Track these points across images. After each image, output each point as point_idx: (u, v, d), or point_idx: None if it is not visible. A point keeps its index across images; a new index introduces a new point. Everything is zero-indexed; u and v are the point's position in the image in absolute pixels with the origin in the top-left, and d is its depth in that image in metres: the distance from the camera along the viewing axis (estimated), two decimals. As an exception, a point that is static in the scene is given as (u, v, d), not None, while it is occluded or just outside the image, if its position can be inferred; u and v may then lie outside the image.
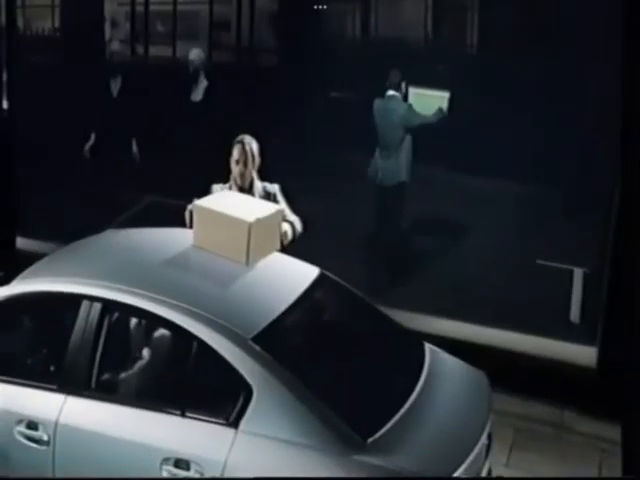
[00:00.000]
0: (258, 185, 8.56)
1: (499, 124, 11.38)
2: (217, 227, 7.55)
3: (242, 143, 8.45)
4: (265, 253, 7.58)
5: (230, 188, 8.46)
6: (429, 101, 11.20)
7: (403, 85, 11.51)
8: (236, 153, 8.44)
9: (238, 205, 7.79)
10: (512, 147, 11.10)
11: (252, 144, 8.48)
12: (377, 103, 11.93)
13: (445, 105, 11.13)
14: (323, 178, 12.26)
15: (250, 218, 7.36)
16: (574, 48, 10.93)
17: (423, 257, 12.11)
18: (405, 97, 11.58)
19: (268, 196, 8.49)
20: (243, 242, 7.32)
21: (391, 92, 11.68)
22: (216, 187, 8.48)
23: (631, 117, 8.80)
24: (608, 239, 9.46)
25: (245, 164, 8.42)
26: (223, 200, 8.00)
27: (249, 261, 7.31)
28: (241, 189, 8.44)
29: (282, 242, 8.00)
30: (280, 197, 8.55)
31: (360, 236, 12.19)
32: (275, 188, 8.58)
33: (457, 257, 11.70)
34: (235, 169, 8.42)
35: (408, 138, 11.69)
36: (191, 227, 7.77)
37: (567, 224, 11.01)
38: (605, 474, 8.48)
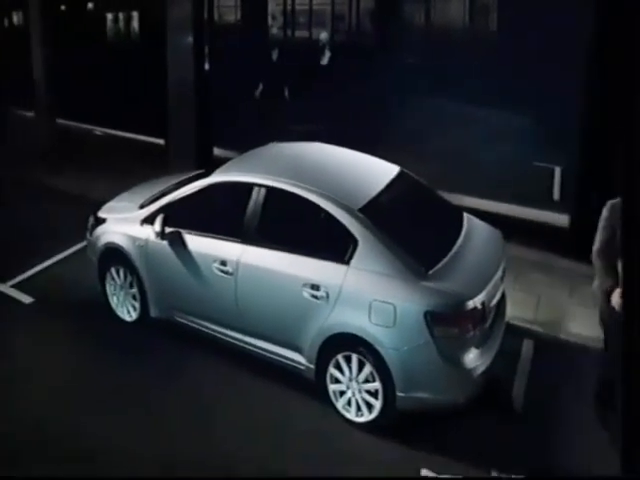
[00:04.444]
0: None
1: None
2: None
3: None
4: None
5: None
6: None
7: None
8: None
9: None
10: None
11: None
12: None
13: None
14: (406, 120, 12.01)
15: None
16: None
17: (466, 160, 11.68)
18: None
19: None
20: None
21: None
22: None
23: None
24: (577, 147, 9.19)
25: None
26: None
27: None
28: None
29: None
30: None
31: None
32: None
33: (486, 161, 11.26)
34: None
35: None
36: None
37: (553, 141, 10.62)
38: (574, 295, 8.32)
